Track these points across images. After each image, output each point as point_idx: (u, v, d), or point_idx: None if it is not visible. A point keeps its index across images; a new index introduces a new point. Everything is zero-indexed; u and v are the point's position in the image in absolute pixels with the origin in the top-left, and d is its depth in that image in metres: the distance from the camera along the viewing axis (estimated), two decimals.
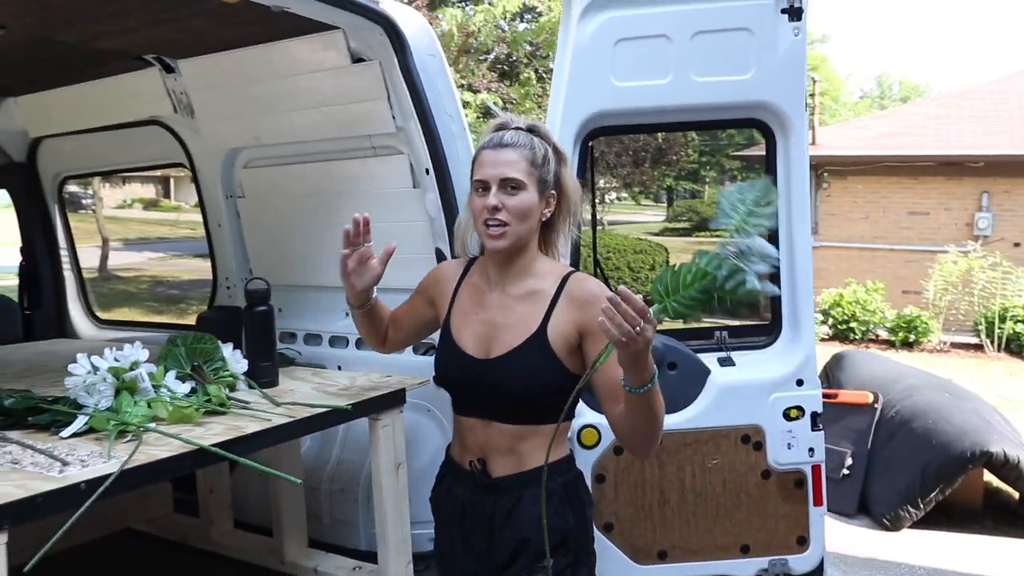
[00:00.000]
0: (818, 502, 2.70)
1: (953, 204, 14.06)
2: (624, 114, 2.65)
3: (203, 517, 3.14)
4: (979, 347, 11.75)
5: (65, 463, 1.83)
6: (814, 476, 2.68)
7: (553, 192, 1.89)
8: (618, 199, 32.52)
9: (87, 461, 1.86)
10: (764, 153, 2.76)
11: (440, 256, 2.80)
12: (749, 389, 2.69)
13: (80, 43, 2.81)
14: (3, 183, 4.09)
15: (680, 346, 2.73)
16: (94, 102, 3.47)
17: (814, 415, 2.69)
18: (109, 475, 1.77)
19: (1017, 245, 13.40)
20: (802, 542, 2.69)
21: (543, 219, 1.89)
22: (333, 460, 3.11)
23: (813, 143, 15.34)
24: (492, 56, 18.99)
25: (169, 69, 3.17)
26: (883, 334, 12.42)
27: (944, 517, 5.20)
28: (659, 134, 19.72)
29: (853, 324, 12.44)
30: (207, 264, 3.68)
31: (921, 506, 5.02)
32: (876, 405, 5.45)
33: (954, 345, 11.99)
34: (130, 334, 4.01)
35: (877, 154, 14.37)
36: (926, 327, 11.95)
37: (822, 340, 12.41)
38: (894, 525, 5.07)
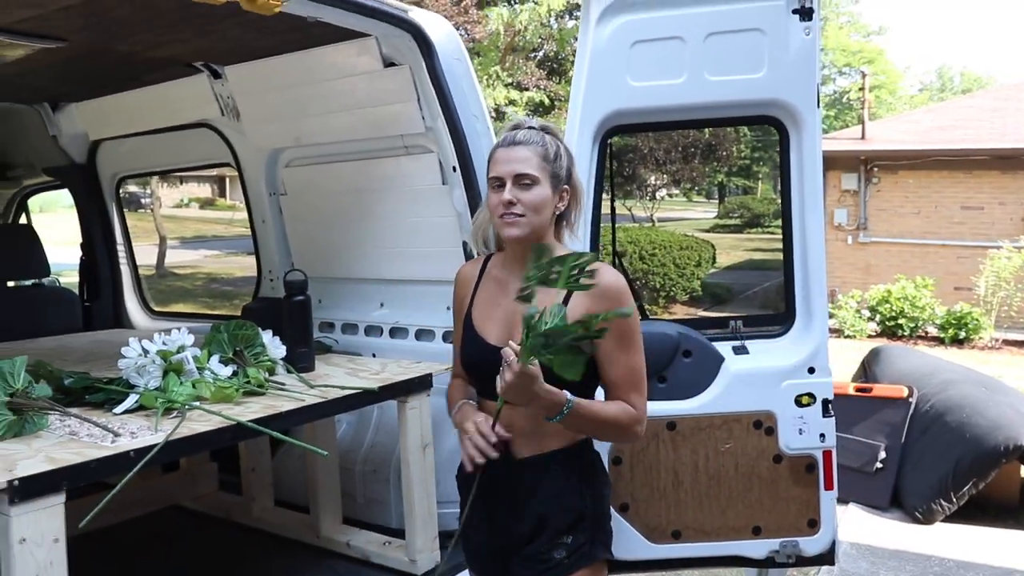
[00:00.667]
0: (829, 486, 2.78)
1: (1008, 198, 13.75)
2: (640, 112, 2.76)
3: (245, 495, 3.34)
4: None
5: (117, 434, 2.03)
6: (825, 461, 2.77)
7: (567, 187, 2.03)
8: (669, 195, 32.42)
9: (136, 434, 2.06)
10: (779, 151, 2.84)
11: (466, 249, 2.96)
12: (762, 376, 2.78)
13: (135, 53, 3.03)
14: (65, 183, 4.37)
15: (695, 335, 2.84)
16: (148, 107, 3.71)
17: (825, 402, 2.77)
18: (155, 445, 1.96)
19: None
20: (813, 525, 2.78)
21: (556, 212, 2.03)
22: (367, 443, 3.29)
23: (863, 137, 15.16)
24: (540, 54, 19.12)
25: (216, 75, 3.38)
26: (932, 331, 12.26)
27: (979, 511, 5.19)
28: (707, 130, 19.63)
29: (901, 320, 12.30)
30: None
31: (954, 500, 5.03)
32: (911, 399, 5.46)
33: (1006, 342, 11.78)
34: (181, 323, 4.25)
35: (928, 148, 14.12)
36: (977, 324, 11.76)
37: (869, 336, 12.29)
38: (926, 518, 5.09)
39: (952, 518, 5.11)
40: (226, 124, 3.55)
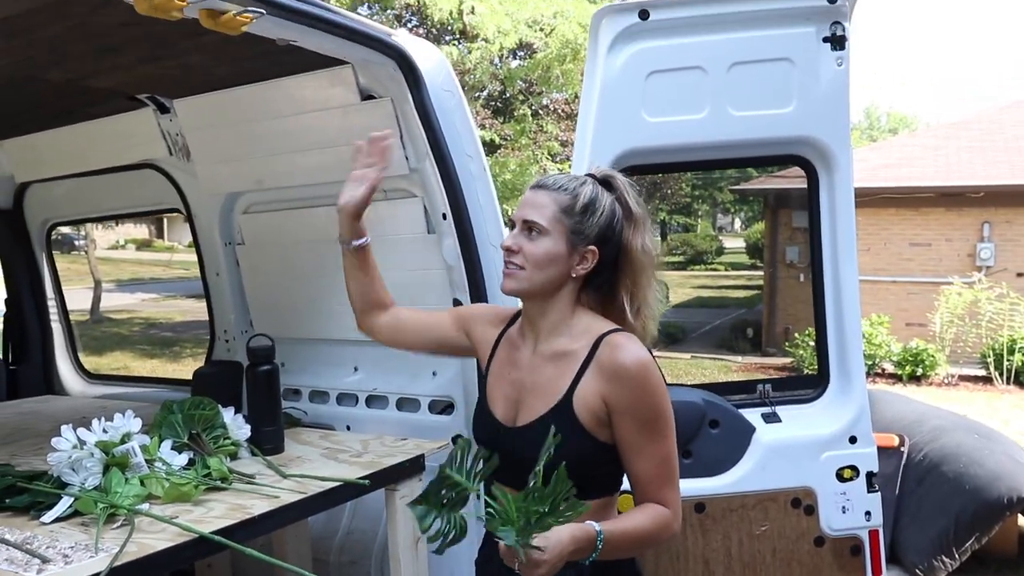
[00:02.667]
0: (877, 571, 2.47)
1: (954, 235, 13.94)
2: (657, 152, 2.46)
3: None
4: (987, 379, 11.55)
5: (45, 559, 1.60)
6: (872, 542, 2.46)
7: (593, 249, 1.68)
8: None
9: (71, 556, 1.63)
10: (806, 187, 2.56)
11: (457, 305, 2.59)
12: (798, 447, 2.47)
13: (69, 82, 2.62)
14: None
15: (722, 402, 2.52)
16: (84, 145, 3.28)
17: (869, 475, 2.47)
18: (97, 575, 1.54)
19: (1021, 275, 13.25)
20: None
21: (574, 275, 1.69)
22: (343, 530, 2.86)
23: None
24: (485, 93, 19.00)
25: (164, 109, 2.98)
26: (889, 368, 12.23)
27: (979, 565, 4.94)
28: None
29: None
30: (201, 305, 3.46)
31: (956, 555, 4.76)
32: (902, 448, 5.22)
33: (962, 378, 11.79)
34: (122, 389, 3.78)
35: (877, 186, 14.26)
36: (933, 360, 11.76)
37: None
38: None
39: (953, 575, 4.85)
40: (174, 164, 3.14)
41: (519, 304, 1.81)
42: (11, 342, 3.87)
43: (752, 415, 2.54)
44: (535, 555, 1.41)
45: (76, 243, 23.75)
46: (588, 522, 1.51)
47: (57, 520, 1.85)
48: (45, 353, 3.88)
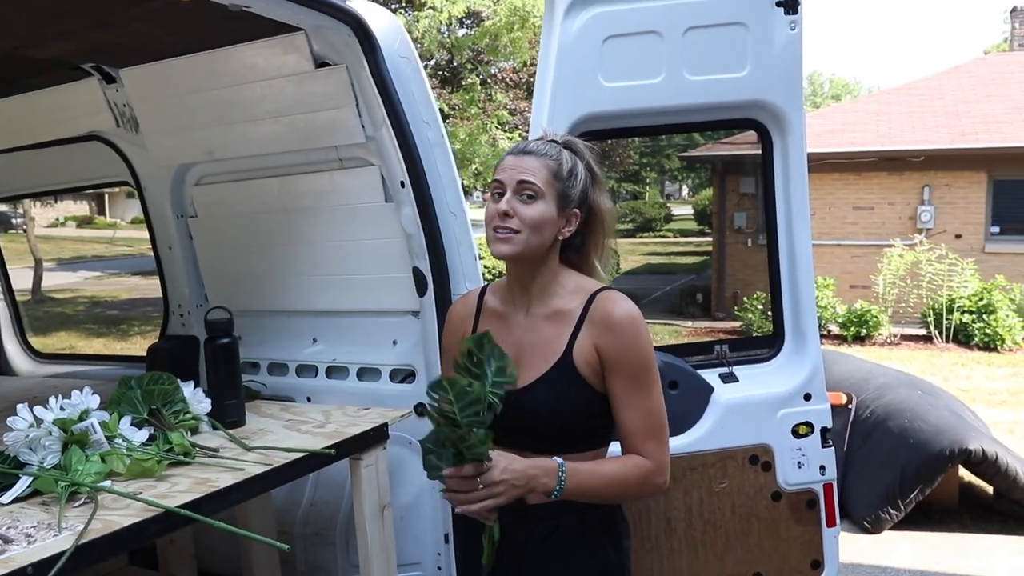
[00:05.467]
0: (831, 522, 2.55)
1: (896, 198, 14.26)
2: (614, 116, 2.47)
3: (163, 571, 2.85)
4: (928, 339, 11.92)
5: (7, 539, 1.57)
6: (826, 495, 2.54)
7: (576, 211, 1.76)
8: None
9: (33, 535, 1.61)
10: (760, 151, 2.60)
11: (418, 275, 2.58)
12: (755, 406, 2.53)
13: (11, 52, 2.52)
14: None
15: (681, 363, 2.56)
16: (26, 117, 3.16)
17: (824, 430, 2.54)
18: (62, 553, 1.51)
19: (959, 237, 13.64)
20: (816, 566, 2.54)
21: (560, 237, 1.75)
22: (306, 501, 2.85)
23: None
24: (433, 62, 18.76)
25: (110, 79, 2.89)
26: (835, 329, 12.52)
27: (922, 516, 5.13)
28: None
29: None
30: (147, 282, 3.40)
31: (901, 507, 4.94)
32: (850, 406, 5.38)
33: (904, 338, 12.13)
34: (74, 368, 3.70)
35: (821, 151, 14.48)
36: (876, 321, 12.08)
37: None
38: (875, 528, 4.99)
39: (898, 525, 5.04)
40: (122, 136, 3.04)
41: (473, 285, 1.84)
42: None
43: (710, 375, 2.59)
44: (489, 473, 1.53)
45: (13, 221, 23.00)
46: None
47: (16, 500, 1.81)
48: None
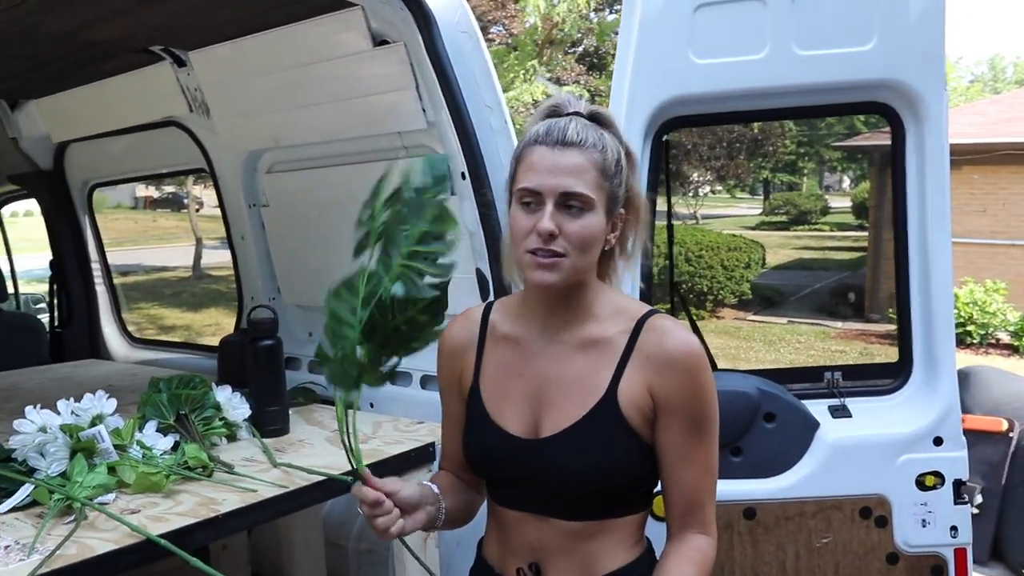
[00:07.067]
0: None
1: None
2: (707, 100, 2.10)
3: None
4: None
5: None
6: (957, 563, 2.09)
7: (622, 212, 1.36)
8: (712, 192, 31.71)
9: (3, 558, 1.46)
10: (890, 143, 2.16)
11: (481, 278, 2.31)
12: (870, 448, 2.11)
13: (69, 33, 2.44)
14: (31, 192, 3.82)
15: (780, 391, 2.17)
16: (112, 103, 3.13)
17: (957, 483, 2.09)
18: None
19: None
20: None
21: (606, 247, 1.36)
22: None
23: None
24: (580, 49, 18.44)
25: (181, 63, 2.78)
26: (1005, 338, 11.35)
27: None
28: (754, 124, 18.77)
29: (970, 327, 11.41)
30: None
31: None
32: (1011, 434, 4.70)
33: None
34: (163, 355, 3.68)
35: (995, 141, 13.16)
36: None
37: None
38: None
39: None
40: (195, 122, 2.95)
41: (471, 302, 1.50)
42: (57, 305, 3.82)
43: (817, 408, 2.18)
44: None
45: (184, 202, 24.61)
46: None
47: (14, 510, 1.69)
48: (91, 317, 3.82)
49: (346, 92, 2.45)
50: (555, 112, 1.36)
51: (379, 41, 2.29)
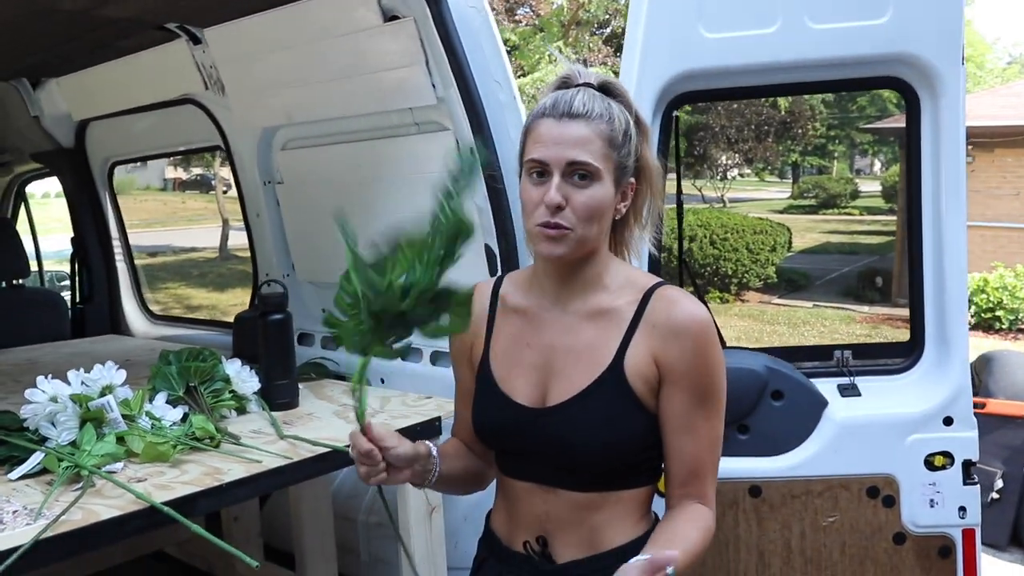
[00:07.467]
0: None
1: None
2: (717, 74, 2.08)
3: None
4: None
5: None
6: (965, 544, 2.06)
7: (632, 181, 1.36)
8: (740, 175, 31.38)
9: (10, 522, 1.49)
10: (905, 123, 2.12)
11: (490, 254, 2.32)
12: (879, 427, 2.09)
13: (84, 12, 2.47)
14: (53, 170, 3.87)
15: (788, 369, 2.15)
16: (130, 81, 3.17)
17: (967, 464, 2.06)
18: (18, 548, 1.38)
19: None
20: None
21: (616, 217, 1.36)
22: (373, 489, 2.68)
23: None
24: (608, 30, 18.28)
25: (196, 40, 2.80)
26: None
27: None
28: (782, 103, 18.49)
29: (1000, 312, 11.23)
30: None
31: None
32: None
33: None
34: (182, 331, 3.73)
35: (1021, 123, 12.90)
36: None
37: None
38: None
39: None
40: (211, 99, 2.97)
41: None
42: (78, 282, 3.88)
43: (826, 386, 2.17)
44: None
45: (212, 183, 24.81)
46: (666, 552, 1.16)
47: (25, 477, 1.73)
48: (111, 293, 3.88)
49: (357, 68, 2.45)
50: (565, 84, 1.35)
51: (389, 16, 2.29)
